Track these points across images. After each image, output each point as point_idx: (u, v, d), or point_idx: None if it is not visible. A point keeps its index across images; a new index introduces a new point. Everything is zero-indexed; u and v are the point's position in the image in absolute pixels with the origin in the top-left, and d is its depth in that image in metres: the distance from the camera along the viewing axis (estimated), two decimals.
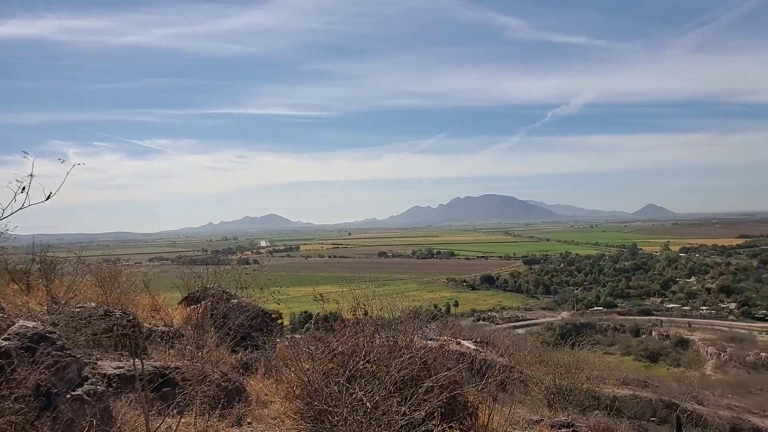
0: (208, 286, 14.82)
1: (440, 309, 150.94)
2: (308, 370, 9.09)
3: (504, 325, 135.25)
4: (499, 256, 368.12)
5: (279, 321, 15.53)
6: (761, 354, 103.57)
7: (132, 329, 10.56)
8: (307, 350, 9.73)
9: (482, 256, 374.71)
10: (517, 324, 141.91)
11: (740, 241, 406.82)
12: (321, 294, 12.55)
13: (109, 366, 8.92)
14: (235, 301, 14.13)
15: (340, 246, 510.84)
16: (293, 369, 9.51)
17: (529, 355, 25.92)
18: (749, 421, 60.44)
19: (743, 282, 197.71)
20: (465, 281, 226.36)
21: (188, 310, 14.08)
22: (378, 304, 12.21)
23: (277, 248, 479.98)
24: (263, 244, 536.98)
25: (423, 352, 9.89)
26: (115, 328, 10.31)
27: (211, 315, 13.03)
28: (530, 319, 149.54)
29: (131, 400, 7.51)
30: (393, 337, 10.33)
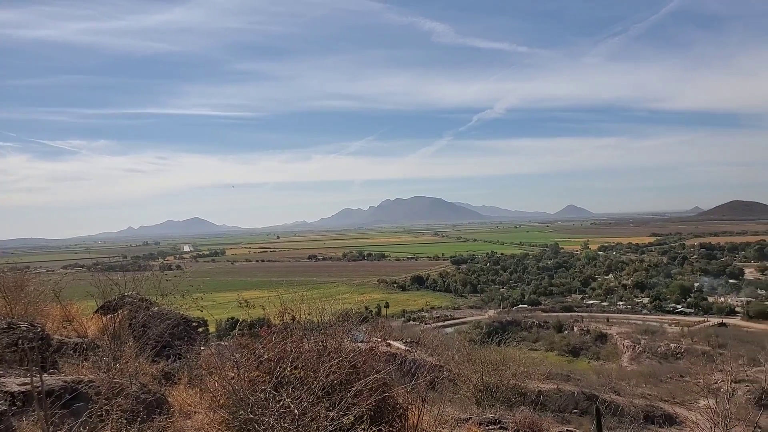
0: (126, 293, 14.07)
1: (371, 311, 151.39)
2: (233, 378, 8.78)
3: (433, 324, 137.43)
4: (428, 257, 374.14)
5: (202, 328, 14.99)
6: (671, 345, 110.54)
7: (39, 342, 9.84)
8: (232, 358, 9.41)
9: (412, 257, 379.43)
10: (446, 323, 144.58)
11: (652, 240, 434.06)
12: (246, 300, 12.18)
13: (13, 383, 8.25)
14: (156, 308, 13.50)
15: (269, 250, 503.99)
16: (217, 378, 9.17)
17: (457, 353, 26.42)
18: (661, 408, 64.21)
19: (655, 278, 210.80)
20: (395, 282, 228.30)
21: (104, 319, 13.28)
22: (307, 309, 12.00)
23: (201, 253, 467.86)
24: (187, 249, 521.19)
25: (352, 355, 9.78)
26: (20, 341, 9.56)
27: (130, 324, 12.38)
28: (459, 318, 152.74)
29: (38, 419, 6.98)
30: (322, 342, 10.18)
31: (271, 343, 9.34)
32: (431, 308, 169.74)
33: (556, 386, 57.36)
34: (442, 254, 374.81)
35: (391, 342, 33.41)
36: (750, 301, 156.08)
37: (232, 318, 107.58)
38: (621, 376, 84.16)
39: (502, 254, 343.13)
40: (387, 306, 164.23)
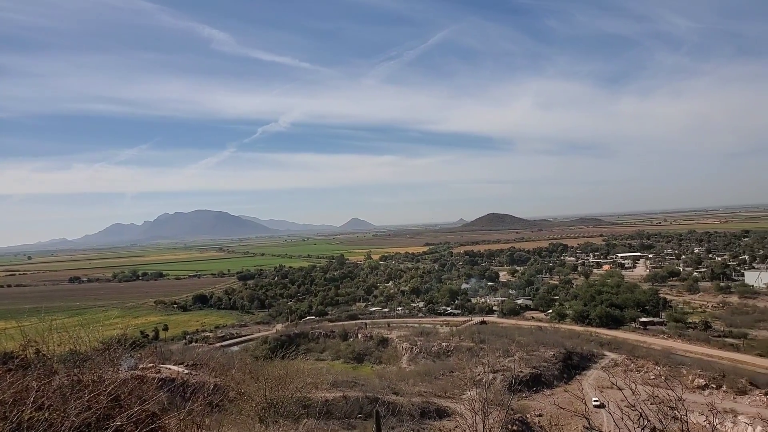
0: None
1: (147, 335, 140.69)
2: None
3: (218, 344, 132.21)
4: (212, 274, 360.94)
5: None
6: (442, 344, 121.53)
7: None
8: None
9: (195, 275, 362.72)
10: (232, 341, 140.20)
11: (425, 249, 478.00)
12: None
13: None
14: None
15: (17, 273, 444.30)
16: None
17: (238, 372, 25.46)
18: (435, 403, 69.89)
19: (428, 283, 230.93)
20: (176, 303, 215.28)
21: None
22: (58, 339, 10.47)
23: None
24: None
25: (113, 386, 8.73)
26: None
27: None
28: (245, 335, 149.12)
29: None
30: (76, 375, 8.94)
31: (6, 383, 7.87)
32: (216, 327, 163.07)
33: (342, 394, 59.38)
34: (228, 270, 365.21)
35: (170, 366, 31.04)
36: (504, 300, 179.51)
37: None
38: (401, 377, 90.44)
39: (290, 267, 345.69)
40: (166, 329, 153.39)
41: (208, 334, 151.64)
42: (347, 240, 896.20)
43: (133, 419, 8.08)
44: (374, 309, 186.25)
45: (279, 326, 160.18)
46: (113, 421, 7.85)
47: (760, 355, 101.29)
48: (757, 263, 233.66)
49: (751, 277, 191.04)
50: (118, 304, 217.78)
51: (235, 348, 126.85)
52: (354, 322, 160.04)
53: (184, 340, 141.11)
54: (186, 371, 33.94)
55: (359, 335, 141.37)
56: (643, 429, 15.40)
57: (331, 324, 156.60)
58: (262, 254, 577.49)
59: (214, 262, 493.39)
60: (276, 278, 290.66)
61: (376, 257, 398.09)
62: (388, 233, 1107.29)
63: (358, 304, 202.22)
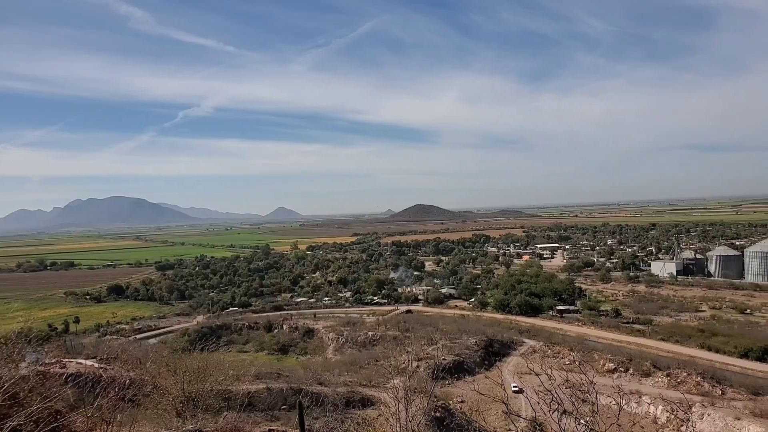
0: None
1: (55, 329, 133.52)
2: None
3: (134, 337, 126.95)
4: (129, 264, 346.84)
5: None
6: (369, 333, 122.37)
7: None
8: None
9: (109, 265, 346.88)
10: (150, 334, 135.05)
11: (353, 239, 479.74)
12: None
13: None
14: None
15: None
16: None
17: (154, 365, 24.38)
18: (360, 392, 70.29)
19: (356, 273, 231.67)
20: (88, 294, 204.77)
21: None
22: None
23: None
24: None
25: (11, 383, 8.03)
26: None
27: None
28: (164, 327, 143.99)
29: None
30: None
31: None
32: (132, 319, 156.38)
33: (265, 385, 58.50)
34: (146, 260, 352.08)
35: (80, 361, 29.37)
36: (429, 289, 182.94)
37: None
38: (326, 367, 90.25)
39: (212, 257, 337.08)
40: (77, 321, 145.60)
41: (123, 326, 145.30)
42: (273, 229, 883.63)
43: (33, 418, 7.44)
44: (300, 300, 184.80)
45: (200, 318, 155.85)
46: (10, 421, 7.20)
47: (663, 340, 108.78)
48: (662, 254, 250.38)
49: (657, 267, 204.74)
50: (23, 296, 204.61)
51: (153, 341, 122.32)
52: (279, 313, 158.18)
53: (97, 333, 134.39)
54: (98, 366, 32.24)
55: (284, 326, 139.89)
56: (559, 413, 16.02)
57: (255, 315, 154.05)
58: (183, 243, 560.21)
59: (130, 251, 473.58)
60: (197, 268, 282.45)
61: (302, 247, 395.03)
62: (316, 223, 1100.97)
63: (283, 294, 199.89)
